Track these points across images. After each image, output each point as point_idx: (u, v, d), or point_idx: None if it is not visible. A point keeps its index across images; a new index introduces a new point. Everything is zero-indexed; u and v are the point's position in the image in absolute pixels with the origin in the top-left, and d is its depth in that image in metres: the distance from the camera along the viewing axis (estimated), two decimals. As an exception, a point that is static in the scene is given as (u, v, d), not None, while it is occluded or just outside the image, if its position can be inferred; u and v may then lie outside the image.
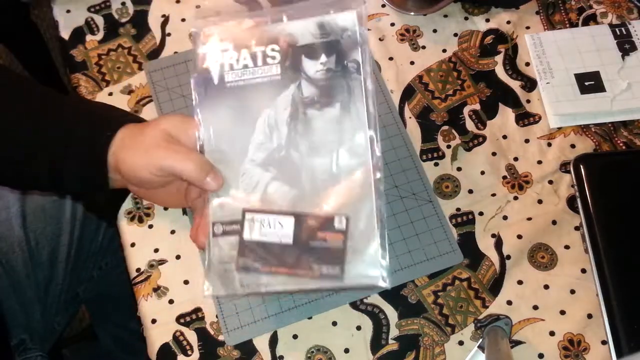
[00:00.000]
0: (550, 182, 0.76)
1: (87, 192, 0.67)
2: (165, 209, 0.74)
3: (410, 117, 0.79)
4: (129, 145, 0.64)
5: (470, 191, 0.75)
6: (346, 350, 0.69)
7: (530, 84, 0.81)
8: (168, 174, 0.63)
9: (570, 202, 0.75)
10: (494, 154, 0.77)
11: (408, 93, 0.80)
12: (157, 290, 0.71)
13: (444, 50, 0.83)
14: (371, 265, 0.60)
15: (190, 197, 0.68)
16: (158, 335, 0.70)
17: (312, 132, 0.63)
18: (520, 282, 0.71)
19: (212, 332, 0.70)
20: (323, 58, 0.63)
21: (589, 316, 0.70)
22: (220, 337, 0.69)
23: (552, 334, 0.69)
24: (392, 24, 0.84)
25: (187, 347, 0.69)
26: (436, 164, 0.77)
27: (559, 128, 0.78)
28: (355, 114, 0.62)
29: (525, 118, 0.79)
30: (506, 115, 0.79)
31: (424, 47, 0.83)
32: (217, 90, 0.64)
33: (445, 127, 0.79)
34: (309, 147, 0.63)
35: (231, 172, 0.63)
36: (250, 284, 0.62)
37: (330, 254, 0.60)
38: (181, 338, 0.69)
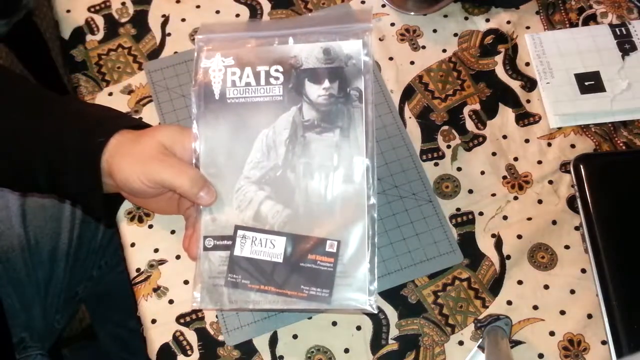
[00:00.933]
0: (550, 182, 0.76)
1: (84, 195, 0.67)
2: (165, 209, 0.74)
3: (410, 117, 0.79)
4: (123, 152, 0.64)
5: (470, 191, 0.75)
6: (346, 350, 0.69)
7: (530, 84, 0.81)
8: (161, 186, 0.63)
9: (570, 202, 0.75)
10: (494, 154, 0.77)
11: (408, 93, 0.80)
12: (157, 290, 0.71)
13: (444, 50, 0.83)
14: (359, 290, 0.61)
15: (183, 207, 0.68)
16: (158, 335, 0.70)
17: (309, 155, 0.63)
18: (520, 282, 0.71)
19: (212, 332, 0.70)
20: (326, 83, 0.64)
21: (589, 316, 0.70)
22: (220, 337, 0.69)
23: (552, 334, 0.69)
24: (392, 24, 0.84)
25: (187, 347, 0.69)
26: (436, 164, 0.77)
27: (559, 128, 0.78)
28: (354, 141, 0.63)
29: (525, 118, 0.79)
30: (506, 115, 0.79)
31: (424, 47, 0.83)
32: (218, 105, 0.65)
33: (445, 127, 0.79)
34: (305, 169, 0.63)
35: (225, 187, 0.64)
36: (238, 300, 0.63)
37: (319, 276, 0.61)
38: (181, 338, 0.69)
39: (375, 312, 0.62)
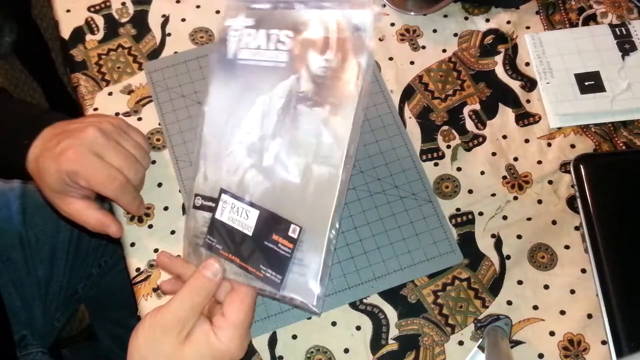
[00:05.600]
0: (550, 182, 0.76)
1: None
2: (166, 209, 0.74)
3: (410, 117, 0.79)
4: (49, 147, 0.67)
5: (470, 191, 0.75)
6: (346, 351, 0.69)
7: (530, 84, 0.81)
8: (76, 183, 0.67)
9: (570, 202, 0.75)
10: (493, 154, 0.77)
11: (408, 93, 0.80)
12: (157, 290, 0.71)
13: (444, 50, 0.83)
14: (310, 284, 0.60)
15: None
16: (158, 335, 0.70)
17: (296, 128, 0.61)
18: (520, 282, 0.71)
19: (212, 332, 0.70)
20: (329, 54, 0.61)
21: (589, 316, 0.70)
22: (220, 337, 0.69)
23: (552, 334, 0.69)
24: (392, 24, 0.84)
25: (187, 347, 0.69)
26: (436, 164, 0.77)
27: (559, 128, 0.78)
28: (341, 121, 0.60)
29: (525, 118, 0.79)
30: (506, 115, 0.79)
31: (424, 47, 0.83)
32: (229, 65, 0.64)
33: (445, 127, 0.79)
34: (290, 143, 0.61)
35: (220, 148, 0.64)
36: None
37: (277, 259, 0.60)
38: (181, 338, 0.69)
39: (319, 313, 0.61)
